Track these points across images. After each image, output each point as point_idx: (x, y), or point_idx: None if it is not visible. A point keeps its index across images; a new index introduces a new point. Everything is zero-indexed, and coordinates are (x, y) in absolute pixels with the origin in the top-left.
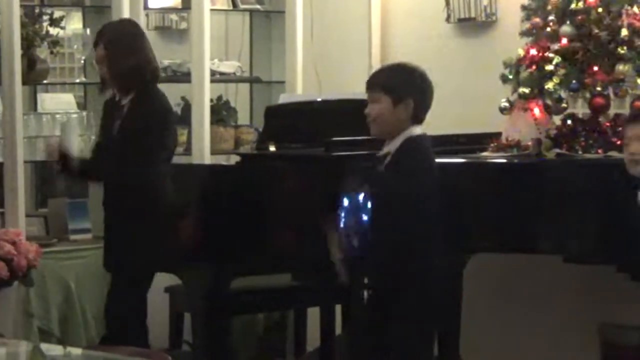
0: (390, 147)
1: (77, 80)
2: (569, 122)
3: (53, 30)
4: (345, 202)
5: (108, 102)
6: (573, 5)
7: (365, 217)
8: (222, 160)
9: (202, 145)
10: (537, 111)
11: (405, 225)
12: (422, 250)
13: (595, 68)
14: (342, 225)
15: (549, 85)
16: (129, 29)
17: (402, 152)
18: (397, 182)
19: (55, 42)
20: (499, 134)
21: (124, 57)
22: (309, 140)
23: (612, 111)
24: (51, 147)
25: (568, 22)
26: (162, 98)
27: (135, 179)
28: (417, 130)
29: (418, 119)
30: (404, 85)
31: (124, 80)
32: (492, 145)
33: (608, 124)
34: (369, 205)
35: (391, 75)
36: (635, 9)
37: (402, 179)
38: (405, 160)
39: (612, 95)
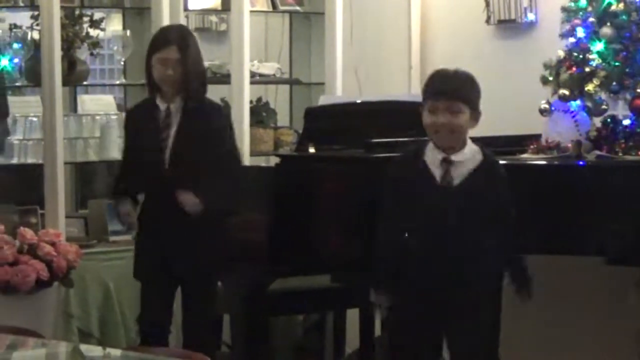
0: (462, 157)
1: (117, 82)
2: (610, 123)
3: (93, 32)
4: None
5: (139, 109)
6: (613, 7)
7: None
8: (261, 161)
9: (241, 147)
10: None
11: (509, 231)
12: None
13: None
14: None
15: (589, 87)
16: (190, 32)
17: (494, 163)
18: (505, 189)
19: (95, 44)
20: (538, 136)
21: (196, 58)
22: (349, 142)
23: None
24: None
25: (608, 24)
26: (217, 105)
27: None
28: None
29: None
30: (479, 98)
31: (195, 82)
32: (531, 147)
33: None
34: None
35: (472, 87)
36: None
37: (505, 186)
38: (500, 169)
39: None
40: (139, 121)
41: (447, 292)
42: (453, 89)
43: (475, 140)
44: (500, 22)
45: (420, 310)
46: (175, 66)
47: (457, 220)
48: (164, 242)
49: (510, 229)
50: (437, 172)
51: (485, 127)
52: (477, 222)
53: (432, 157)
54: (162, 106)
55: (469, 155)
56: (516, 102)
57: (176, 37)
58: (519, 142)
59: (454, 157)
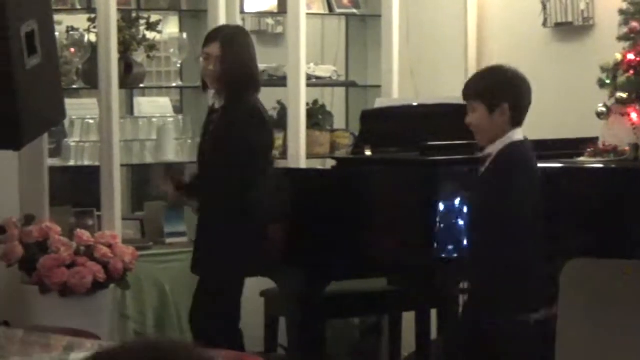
0: (491, 150)
1: (174, 84)
2: None
3: (150, 35)
4: (442, 205)
5: (210, 107)
6: None
7: (462, 221)
8: (317, 164)
9: (298, 149)
10: (634, 116)
11: (502, 229)
12: (518, 253)
13: None
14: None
15: None
16: (243, 32)
17: (501, 157)
18: (495, 186)
19: (151, 46)
20: (596, 139)
21: (238, 58)
22: (405, 145)
23: None
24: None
25: None
26: (254, 105)
27: (224, 184)
28: (517, 134)
29: (516, 121)
30: (496, 90)
31: (229, 81)
32: (589, 150)
33: None
34: (467, 208)
35: (482, 82)
36: None
37: (499, 183)
38: (503, 165)
39: None
40: (206, 117)
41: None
42: (465, 90)
43: (534, 143)
44: (557, 24)
45: None
46: (216, 62)
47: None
48: (197, 239)
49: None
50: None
51: (542, 130)
52: (476, 217)
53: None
54: (211, 102)
55: (497, 148)
56: (573, 105)
57: (222, 34)
58: (576, 146)
59: (480, 153)
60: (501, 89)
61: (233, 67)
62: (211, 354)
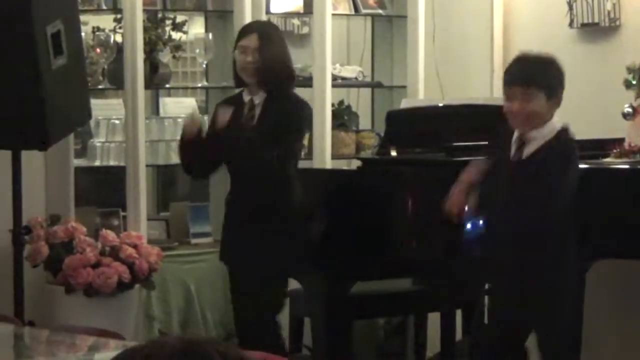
0: (536, 134)
1: (199, 85)
2: None
3: (175, 35)
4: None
5: (226, 102)
6: None
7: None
8: (343, 164)
9: (323, 150)
10: None
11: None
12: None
13: None
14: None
15: None
16: (277, 27)
17: (560, 143)
18: (560, 171)
19: (177, 47)
20: (622, 140)
21: (278, 50)
22: (431, 145)
23: None
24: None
25: None
26: (300, 97)
27: (280, 175)
28: (557, 120)
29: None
30: (555, 79)
31: (269, 74)
32: (614, 151)
33: None
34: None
35: (546, 72)
36: None
37: (566, 169)
38: (566, 150)
39: None
40: (223, 108)
41: (507, 271)
42: (527, 76)
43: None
44: (583, 25)
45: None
46: (254, 54)
47: (513, 194)
48: (240, 235)
49: (558, 212)
50: (513, 149)
51: None
52: (529, 198)
53: (515, 135)
54: (246, 98)
55: (545, 133)
56: (599, 105)
57: (258, 26)
58: (602, 146)
59: (527, 135)
60: (559, 78)
61: (273, 59)
62: (243, 353)
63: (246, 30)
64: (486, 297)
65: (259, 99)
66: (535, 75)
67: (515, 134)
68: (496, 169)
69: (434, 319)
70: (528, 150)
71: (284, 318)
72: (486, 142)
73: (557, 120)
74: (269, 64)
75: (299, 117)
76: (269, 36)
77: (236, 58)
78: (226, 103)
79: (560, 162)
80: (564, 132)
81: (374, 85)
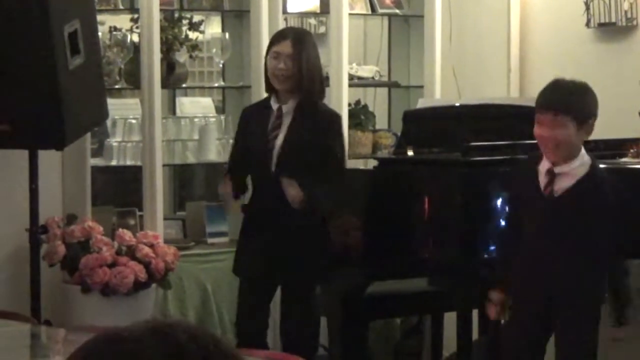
0: (568, 169)
1: (216, 84)
2: None
3: (192, 35)
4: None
5: (253, 108)
6: None
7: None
8: (359, 164)
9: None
10: None
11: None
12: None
13: None
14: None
15: None
16: (310, 34)
17: (599, 174)
18: (606, 205)
19: (194, 46)
20: (638, 140)
21: (311, 57)
22: (447, 145)
23: None
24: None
25: None
26: (333, 111)
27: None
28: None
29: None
30: (588, 107)
31: (303, 81)
32: (631, 150)
33: None
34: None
35: (578, 100)
36: None
37: (607, 200)
38: (606, 182)
39: None
40: (250, 121)
41: (547, 304)
42: (557, 103)
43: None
44: (600, 25)
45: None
46: (287, 60)
47: (555, 231)
48: (267, 243)
49: (612, 242)
50: (542, 182)
51: None
52: (574, 234)
53: (543, 165)
54: (275, 106)
55: (576, 167)
56: (616, 105)
57: (292, 33)
58: (619, 146)
59: (557, 169)
60: (591, 106)
61: (306, 66)
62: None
63: (280, 36)
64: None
65: (288, 107)
66: (565, 102)
67: (545, 166)
68: (522, 199)
69: (450, 319)
70: (560, 186)
71: None
72: (503, 142)
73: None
74: (302, 72)
75: (339, 127)
76: (303, 43)
77: (268, 63)
78: (254, 107)
79: (607, 203)
80: (596, 167)
81: (391, 85)
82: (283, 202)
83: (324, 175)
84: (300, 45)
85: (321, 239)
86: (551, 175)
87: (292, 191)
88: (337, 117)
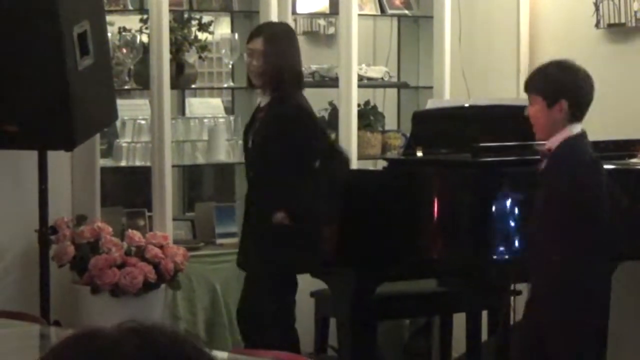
0: (549, 145)
1: (225, 85)
2: None
3: (201, 35)
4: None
5: (257, 106)
6: None
7: (513, 223)
8: (369, 165)
9: (349, 150)
10: None
11: (563, 229)
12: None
13: None
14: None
15: None
16: (287, 29)
17: (559, 154)
18: (556, 182)
19: (203, 47)
20: None
21: (281, 54)
22: (457, 146)
23: None
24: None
25: None
26: (299, 102)
27: (273, 185)
28: (576, 128)
29: (576, 117)
30: (556, 86)
31: (273, 78)
32: None
33: None
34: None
35: (543, 77)
36: None
37: (560, 179)
38: (558, 161)
39: None
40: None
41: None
42: (526, 82)
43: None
44: (609, 25)
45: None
46: (259, 57)
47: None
48: (243, 237)
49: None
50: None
51: (594, 132)
52: (539, 215)
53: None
54: (258, 101)
55: (553, 143)
56: (626, 105)
57: (266, 30)
58: (628, 147)
59: (543, 147)
60: (561, 85)
61: (276, 63)
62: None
63: (253, 34)
64: (512, 298)
65: (264, 102)
66: (530, 81)
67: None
68: None
69: (459, 320)
70: (542, 163)
71: (309, 318)
72: (512, 143)
73: (576, 128)
74: (272, 68)
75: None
76: (274, 40)
77: (245, 60)
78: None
79: (555, 175)
80: (564, 142)
81: (400, 86)
82: (251, 195)
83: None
84: (271, 42)
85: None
86: (542, 154)
87: (278, 219)
88: (300, 111)
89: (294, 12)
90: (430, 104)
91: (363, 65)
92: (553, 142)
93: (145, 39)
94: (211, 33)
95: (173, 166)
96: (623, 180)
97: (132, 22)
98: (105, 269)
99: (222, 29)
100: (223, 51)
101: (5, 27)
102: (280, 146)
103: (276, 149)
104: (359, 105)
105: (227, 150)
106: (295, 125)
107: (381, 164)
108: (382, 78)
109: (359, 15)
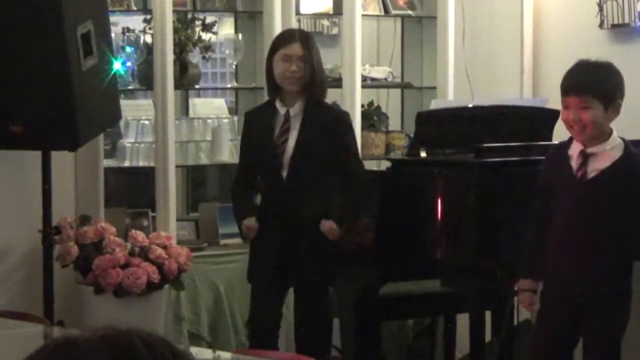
0: (600, 149)
1: (229, 85)
2: None
3: (205, 36)
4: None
5: (257, 112)
6: None
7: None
8: (372, 165)
9: None
10: None
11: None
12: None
13: None
14: None
15: None
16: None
17: (634, 156)
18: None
19: (207, 47)
20: None
21: (319, 58)
22: (460, 146)
23: None
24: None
25: None
26: (340, 107)
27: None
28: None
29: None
30: (612, 87)
31: (317, 82)
32: None
33: None
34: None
35: (603, 79)
36: None
37: None
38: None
39: None
40: (255, 126)
41: (577, 289)
42: (581, 84)
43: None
44: (613, 26)
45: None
46: (299, 62)
47: (588, 214)
48: (281, 247)
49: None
50: (575, 165)
51: None
52: (609, 217)
53: (574, 149)
54: (282, 110)
55: (610, 148)
56: (630, 106)
57: (299, 34)
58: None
59: (591, 150)
60: (618, 86)
61: (318, 69)
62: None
63: (289, 38)
64: (515, 299)
65: (295, 110)
66: (589, 83)
67: (577, 148)
68: (554, 186)
69: (463, 320)
70: (594, 167)
71: None
72: (516, 143)
73: (616, 135)
74: (314, 73)
75: (350, 123)
76: (311, 44)
77: (276, 66)
78: (256, 110)
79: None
80: (630, 149)
81: (404, 86)
82: (294, 207)
83: (346, 174)
84: (308, 46)
85: (331, 242)
86: (584, 156)
87: (331, 231)
88: (346, 114)
89: (297, 13)
90: (434, 105)
91: (367, 66)
92: (607, 146)
93: (148, 39)
94: (215, 33)
95: (177, 166)
96: None
97: (135, 22)
98: (109, 270)
99: (226, 29)
100: (227, 51)
101: (9, 28)
102: (344, 145)
103: (340, 148)
104: (362, 105)
105: (231, 150)
106: (350, 123)
107: (385, 165)
108: (385, 78)
109: (363, 15)
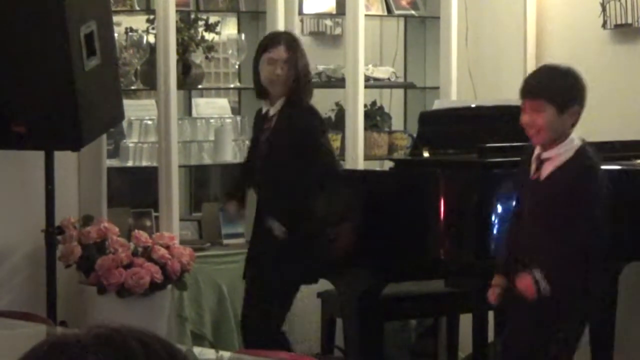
0: (553, 153)
1: (232, 86)
2: None
3: (208, 36)
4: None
5: (258, 113)
6: None
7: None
8: (375, 165)
9: (355, 151)
10: None
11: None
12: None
13: None
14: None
15: None
16: (299, 39)
17: (580, 161)
18: (584, 189)
19: (210, 48)
20: None
21: (305, 61)
22: (463, 146)
23: None
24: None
25: None
26: (313, 107)
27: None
28: (576, 137)
29: (575, 124)
30: (567, 92)
31: (302, 85)
32: None
33: None
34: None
35: (554, 83)
36: None
37: (588, 187)
38: (585, 169)
39: None
40: (253, 125)
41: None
42: (532, 87)
43: (593, 145)
44: (616, 26)
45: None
46: (284, 65)
47: (537, 217)
48: (261, 245)
49: (589, 233)
50: (533, 167)
51: (601, 132)
52: (552, 218)
53: (535, 153)
54: (265, 110)
55: (561, 152)
56: (632, 106)
57: (285, 38)
58: (636, 147)
59: (544, 155)
60: (573, 91)
61: (302, 72)
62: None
63: (274, 41)
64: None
65: (274, 110)
66: (540, 87)
67: (536, 152)
68: (520, 188)
69: (466, 321)
70: (546, 170)
71: (316, 319)
72: (519, 144)
73: (578, 137)
74: (299, 76)
75: (318, 120)
76: (296, 47)
77: (262, 69)
78: (258, 112)
79: (587, 188)
80: (580, 152)
81: (407, 86)
82: (264, 206)
83: (316, 174)
84: (293, 49)
85: (299, 248)
86: (538, 161)
87: (276, 229)
88: (315, 114)
89: (300, 13)
90: (437, 105)
91: (370, 66)
92: (561, 150)
93: (151, 39)
94: (218, 33)
95: (179, 166)
96: (629, 181)
97: (139, 22)
98: (112, 270)
99: (229, 29)
100: (230, 51)
101: (12, 28)
102: (315, 152)
103: (312, 155)
104: (365, 105)
105: (234, 150)
106: (320, 129)
107: (388, 165)
108: (388, 78)
109: (366, 15)
